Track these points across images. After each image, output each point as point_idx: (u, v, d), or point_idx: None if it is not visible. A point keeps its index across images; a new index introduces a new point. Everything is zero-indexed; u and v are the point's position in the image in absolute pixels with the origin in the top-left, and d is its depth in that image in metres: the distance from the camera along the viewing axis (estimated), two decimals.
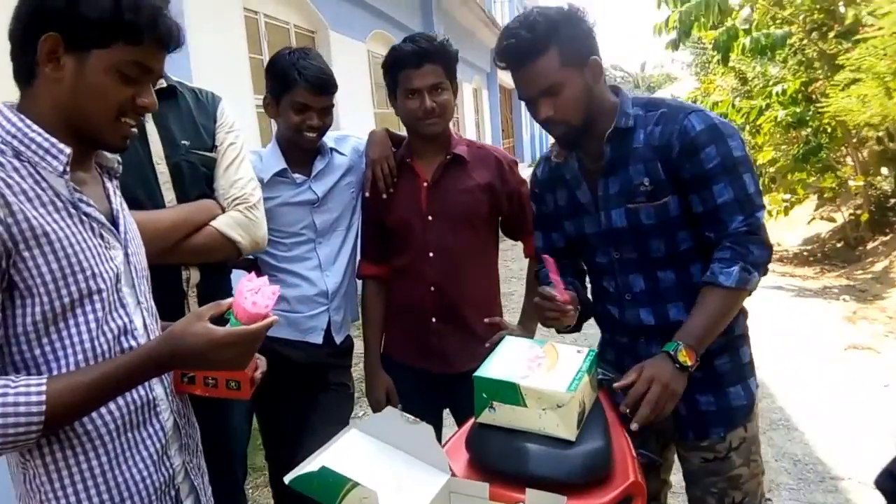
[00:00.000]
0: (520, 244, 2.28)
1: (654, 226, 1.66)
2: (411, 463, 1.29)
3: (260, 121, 5.39)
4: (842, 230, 8.43)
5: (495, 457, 1.36)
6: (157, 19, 1.12)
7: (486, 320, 2.08)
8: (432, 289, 2.14)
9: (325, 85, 2.04)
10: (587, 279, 1.98)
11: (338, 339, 2.24)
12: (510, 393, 1.38)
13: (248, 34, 5.28)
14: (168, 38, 1.16)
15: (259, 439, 2.38)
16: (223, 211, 1.76)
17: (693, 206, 1.63)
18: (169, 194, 1.71)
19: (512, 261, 7.88)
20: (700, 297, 1.60)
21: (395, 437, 1.32)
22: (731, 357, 1.74)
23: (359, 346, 2.32)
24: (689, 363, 1.52)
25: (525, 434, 1.38)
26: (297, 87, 2.01)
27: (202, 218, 1.70)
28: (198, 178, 1.76)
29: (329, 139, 2.22)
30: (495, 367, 1.45)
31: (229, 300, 1.17)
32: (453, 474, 1.29)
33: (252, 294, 1.14)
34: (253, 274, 1.19)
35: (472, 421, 1.47)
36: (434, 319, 2.17)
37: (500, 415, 1.41)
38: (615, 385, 1.55)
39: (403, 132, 2.27)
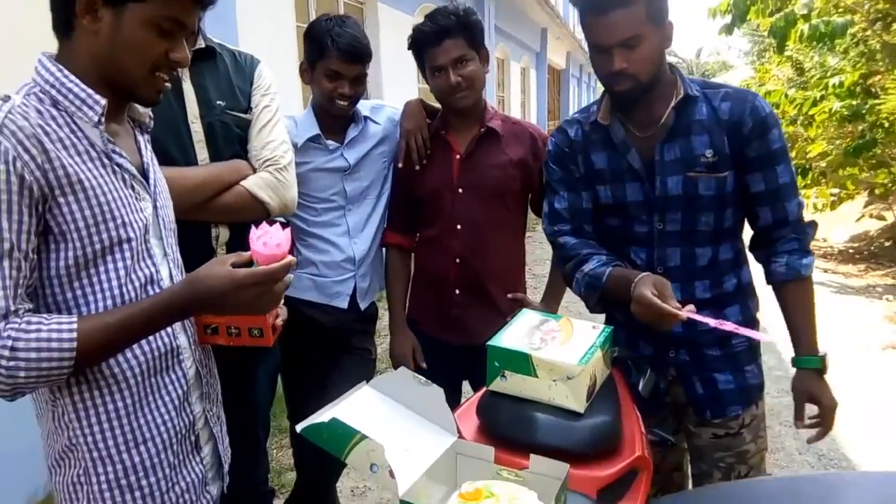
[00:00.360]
0: None
1: (710, 198, 1.67)
2: (420, 423, 1.32)
3: (304, 89, 5.43)
4: (891, 229, 8.17)
5: (504, 424, 1.39)
6: None
7: (508, 296, 2.11)
8: (458, 261, 2.17)
9: (357, 53, 2.06)
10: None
11: (362, 305, 2.29)
12: (522, 363, 1.41)
13: (296, 2, 5.32)
14: None
15: (283, 401, 2.45)
16: (254, 171, 1.80)
17: (752, 185, 1.69)
18: (202, 153, 1.75)
19: (547, 244, 7.88)
20: (790, 295, 1.73)
21: (407, 397, 1.35)
22: (748, 338, 1.74)
23: (384, 318, 2.36)
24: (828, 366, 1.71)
25: (535, 404, 1.40)
26: (329, 54, 2.04)
27: (232, 177, 1.75)
28: (231, 139, 1.80)
29: (364, 108, 2.25)
30: (509, 337, 1.48)
31: (249, 254, 1.21)
32: (461, 437, 1.32)
33: (263, 236, 1.19)
34: (264, 224, 1.23)
35: (483, 389, 1.50)
36: (458, 291, 2.20)
37: (512, 384, 1.43)
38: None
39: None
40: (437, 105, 2.28)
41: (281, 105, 1.95)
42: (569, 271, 1.84)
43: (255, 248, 1.19)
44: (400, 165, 2.21)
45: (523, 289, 2.31)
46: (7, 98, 1.10)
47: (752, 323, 1.80)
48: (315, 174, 2.16)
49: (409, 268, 2.34)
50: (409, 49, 2.15)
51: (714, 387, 1.77)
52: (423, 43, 2.08)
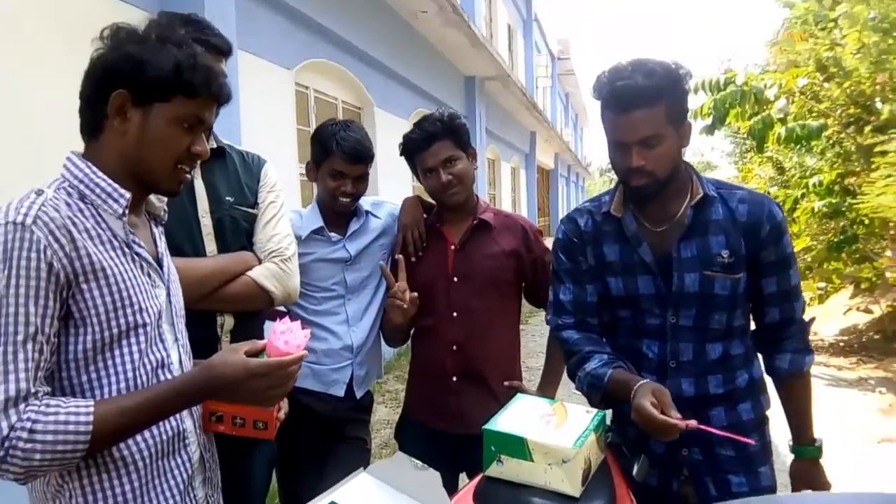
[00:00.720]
0: (543, 317, 2.34)
1: (725, 297, 1.69)
2: None
3: (302, 187, 5.62)
4: (880, 322, 8.24)
5: None
6: (210, 77, 1.27)
7: (505, 384, 2.15)
8: (454, 348, 2.22)
9: (360, 155, 2.21)
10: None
11: (359, 394, 2.32)
12: (518, 446, 1.43)
13: (297, 107, 5.58)
14: (220, 94, 1.30)
15: (278, 491, 2.42)
16: (259, 262, 1.88)
17: (765, 287, 1.72)
18: (211, 245, 1.84)
19: (541, 336, 7.87)
20: (792, 390, 1.79)
21: (404, 483, 1.36)
22: (761, 436, 1.77)
23: (378, 411, 2.37)
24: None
25: (531, 489, 1.42)
26: (334, 155, 2.18)
27: (239, 268, 1.83)
28: (239, 232, 1.89)
29: (366, 203, 2.37)
30: (504, 420, 1.51)
31: (264, 341, 1.27)
32: None
33: (285, 334, 1.24)
34: (287, 318, 1.29)
35: (480, 475, 1.52)
36: (455, 378, 2.23)
37: (508, 468, 1.45)
38: None
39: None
40: (432, 201, 2.40)
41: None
42: (571, 367, 1.84)
43: (275, 342, 1.24)
44: (397, 257, 2.29)
45: (520, 377, 2.34)
46: (41, 192, 1.18)
47: (763, 421, 1.81)
48: (317, 264, 2.25)
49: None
50: (400, 155, 2.29)
51: (727, 489, 1.72)
52: (413, 149, 2.21)
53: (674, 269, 1.70)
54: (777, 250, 1.70)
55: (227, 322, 1.86)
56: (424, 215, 2.35)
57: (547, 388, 2.28)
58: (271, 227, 1.93)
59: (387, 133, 7.43)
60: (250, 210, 1.92)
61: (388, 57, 7.32)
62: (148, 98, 1.22)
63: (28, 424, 1.07)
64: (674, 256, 1.70)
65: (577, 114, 37.80)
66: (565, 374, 1.98)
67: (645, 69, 1.59)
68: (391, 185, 7.16)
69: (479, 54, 9.67)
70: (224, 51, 1.83)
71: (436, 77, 9.35)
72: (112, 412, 1.13)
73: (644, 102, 1.58)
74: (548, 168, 24.13)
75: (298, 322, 1.29)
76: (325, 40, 5.96)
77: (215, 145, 1.92)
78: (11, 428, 1.06)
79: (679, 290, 1.70)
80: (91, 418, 1.11)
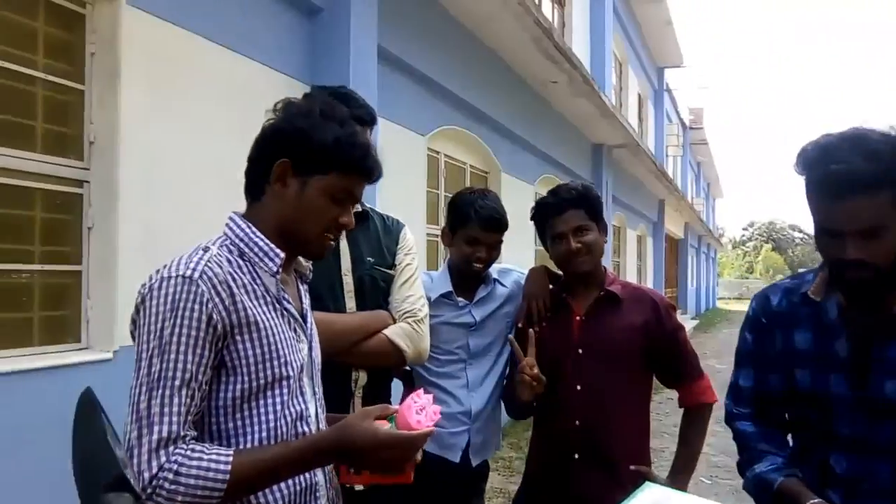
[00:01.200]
0: (674, 395, 2.23)
1: None
2: None
3: (428, 248, 5.80)
4: None
5: None
6: (367, 156, 1.36)
7: (632, 468, 1.98)
8: (577, 423, 2.11)
9: (496, 224, 2.27)
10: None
11: (474, 462, 2.29)
12: None
13: (428, 170, 5.81)
14: (371, 173, 1.39)
15: None
16: (394, 322, 1.95)
17: None
18: (351, 302, 1.93)
19: (666, 415, 7.47)
20: None
21: None
22: None
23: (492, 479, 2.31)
24: None
25: None
26: (472, 222, 2.24)
27: (376, 325, 1.90)
28: (377, 291, 1.98)
29: (494, 270, 2.41)
30: None
31: (396, 406, 1.30)
32: None
33: (419, 412, 1.27)
34: (421, 390, 1.32)
35: None
36: (577, 455, 2.11)
37: None
38: None
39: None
40: (559, 271, 2.39)
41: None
42: (741, 463, 1.70)
43: (407, 415, 1.26)
44: (520, 325, 2.29)
45: (648, 460, 2.20)
46: (207, 248, 1.29)
47: None
48: (443, 327, 2.30)
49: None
50: (531, 219, 2.30)
51: None
52: (545, 213, 2.20)
53: (872, 371, 1.48)
54: None
55: (361, 378, 1.93)
56: (550, 286, 2.34)
57: (678, 477, 2.12)
58: (406, 289, 2.00)
59: (512, 198, 7.54)
60: (388, 271, 2.01)
61: (516, 124, 7.50)
62: (307, 169, 1.32)
63: (174, 467, 1.14)
64: (873, 358, 1.48)
65: (709, 183, 36.62)
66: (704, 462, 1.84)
67: (866, 149, 1.35)
68: (515, 251, 7.21)
69: (609, 123, 9.69)
70: (367, 121, 1.94)
71: (563, 144, 9.44)
72: (250, 463, 1.19)
73: (863, 189, 1.34)
74: (677, 237, 23.40)
75: (431, 397, 1.32)
76: (457, 108, 6.21)
77: (360, 209, 2.03)
78: (160, 468, 1.13)
79: (877, 396, 1.46)
80: (230, 467, 1.15)
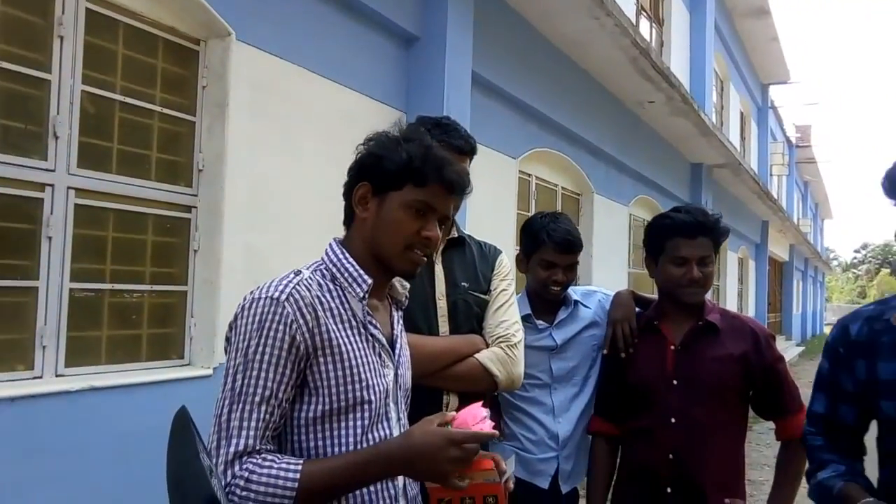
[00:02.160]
0: (772, 426, 2.13)
1: None
2: None
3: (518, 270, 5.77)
4: None
5: None
6: (442, 168, 1.37)
7: (726, 501, 1.93)
8: (671, 456, 2.05)
9: (570, 245, 2.24)
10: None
11: (564, 489, 2.26)
12: None
13: (519, 192, 5.80)
14: (450, 185, 1.38)
15: None
16: (487, 346, 1.94)
17: None
18: (444, 326, 1.94)
19: (766, 446, 7.12)
20: None
21: None
22: None
23: None
24: None
25: None
26: (545, 246, 2.23)
27: (468, 349, 1.90)
28: (470, 316, 1.98)
29: (576, 292, 2.37)
30: None
31: (453, 413, 1.29)
32: None
33: (480, 421, 1.27)
34: (479, 404, 1.31)
35: None
36: (669, 489, 2.06)
37: None
38: None
39: (653, 294, 2.33)
40: (649, 296, 2.32)
41: None
42: (808, 473, 1.70)
43: (468, 421, 1.26)
44: (605, 352, 2.25)
45: (743, 494, 2.12)
46: (299, 272, 1.35)
47: None
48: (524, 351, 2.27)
49: (615, 459, 2.26)
50: (649, 233, 2.20)
51: None
52: (673, 231, 2.09)
53: None
54: None
55: (452, 401, 1.91)
56: (638, 310, 2.29)
57: None
58: (501, 314, 1.98)
59: (604, 219, 7.43)
60: (482, 296, 2.01)
61: (610, 145, 7.39)
62: (384, 187, 1.36)
63: (245, 474, 1.19)
64: None
65: (817, 204, 34.71)
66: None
67: None
68: (608, 272, 7.08)
69: (708, 142, 9.38)
70: (466, 151, 1.98)
71: (659, 164, 9.20)
72: (319, 470, 1.22)
73: None
74: (781, 260, 22.27)
75: (488, 412, 1.31)
76: (549, 131, 6.19)
77: (457, 235, 2.06)
78: (234, 476, 1.19)
79: None
80: (298, 475, 1.19)
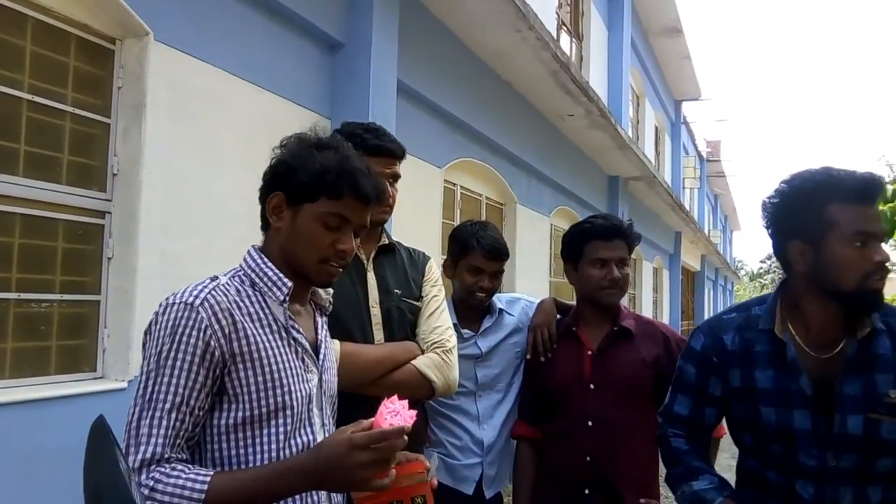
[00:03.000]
0: None
1: (890, 443, 1.52)
2: None
3: (444, 280, 5.80)
4: None
5: None
6: (356, 180, 1.35)
7: (641, 501, 2.01)
8: (588, 459, 2.13)
9: (498, 252, 2.31)
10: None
11: (487, 494, 2.29)
12: None
13: (444, 202, 5.84)
14: (365, 196, 1.37)
15: None
16: (422, 353, 1.95)
17: None
18: (379, 334, 1.94)
19: None
20: None
21: None
22: None
23: None
24: None
25: None
26: (474, 251, 2.29)
27: (404, 356, 1.90)
28: (404, 323, 1.99)
29: (501, 300, 2.43)
30: None
31: (370, 420, 1.23)
32: None
33: (392, 416, 1.22)
34: (395, 396, 1.27)
35: None
36: (587, 491, 2.13)
37: None
38: None
39: (572, 301, 2.40)
40: (570, 303, 2.40)
41: None
42: (674, 478, 1.77)
43: (381, 422, 1.21)
44: (528, 357, 2.30)
45: (657, 493, 2.21)
46: (215, 278, 1.33)
47: None
48: None
49: (537, 463, 2.30)
50: (567, 238, 2.29)
51: None
52: (591, 235, 2.20)
53: (836, 409, 1.55)
54: None
55: None
56: (559, 316, 2.35)
57: None
58: (434, 319, 2.01)
59: (527, 229, 7.56)
60: (415, 302, 2.02)
61: (532, 156, 7.54)
62: (298, 199, 1.35)
63: (151, 483, 1.15)
64: (837, 393, 1.55)
65: (726, 216, 36.44)
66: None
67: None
68: (530, 281, 7.20)
69: (625, 155, 9.71)
70: (398, 154, 2.00)
71: (579, 176, 9.46)
72: (226, 483, 1.18)
73: (882, 195, 1.54)
74: (693, 270, 23.23)
75: (406, 402, 1.26)
76: (473, 140, 6.26)
77: (387, 242, 2.06)
78: (139, 484, 1.15)
79: (842, 431, 1.54)
80: (205, 486, 1.16)
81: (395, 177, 2.01)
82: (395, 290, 2.00)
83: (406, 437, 1.20)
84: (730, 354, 1.70)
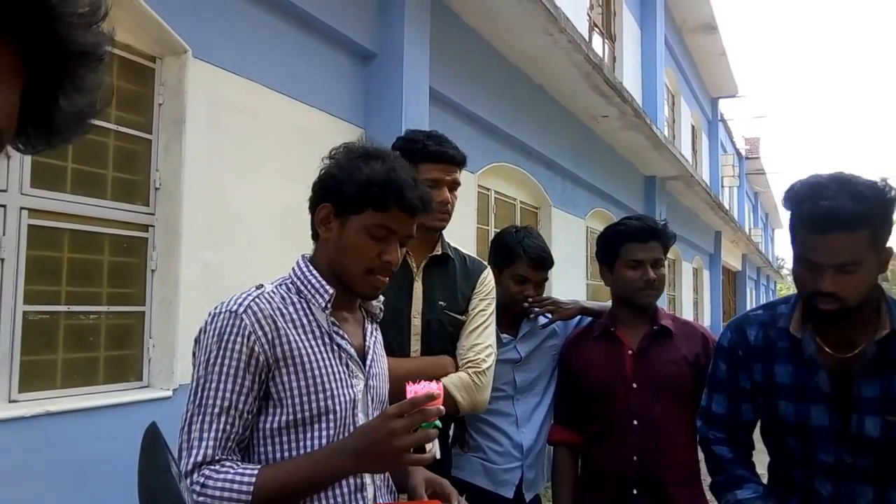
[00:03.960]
0: None
1: None
2: None
3: None
4: None
5: None
6: (402, 192, 1.36)
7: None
8: (635, 458, 2.11)
9: (544, 262, 2.28)
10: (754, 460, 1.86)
11: (527, 496, 2.29)
12: None
13: (478, 207, 5.86)
14: (411, 208, 1.38)
15: None
16: (457, 369, 1.95)
17: None
18: (416, 345, 1.94)
19: None
20: None
21: None
22: None
23: None
24: None
25: None
26: (520, 261, 2.26)
27: (436, 372, 1.86)
28: (444, 336, 1.98)
29: None
30: None
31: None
32: None
33: (419, 390, 1.25)
34: (422, 381, 1.28)
35: None
36: (635, 491, 2.11)
37: None
38: None
39: (603, 303, 2.39)
40: (598, 305, 2.39)
41: None
42: (718, 486, 1.77)
43: (408, 395, 1.25)
44: (531, 314, 2.31)
45: (700, 488, 2.19)
46: (261, 286, 1.37)
47: None
48: None
49: (577, 467, 2.30)
50: (602, 241, 2.28)
51: None
52: (626, 237, 2.18)
53: (853, 409, 1.55)
54: None
55: None
56: (590, 318, 2.36)
57: None
58: (475, 337, 1.98)
59: (562, 231, 7.53)
60: (459, 316, 2.00)
61: (566, 159, 7.51)
62: (345, 210, 1.37)
63: (202, 480, 1.20)
64: (854, 395, 1.56)
65: (767, 213, 35.72)
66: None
67: (853, 191, 1.45)
68: (566, 284, 7.17)
69: (661, 155, 9.61)
70: (459, 161, 2.00)
71: (615, 177, 9.40)
72: (272, 474, 1.23)
73: (846, 227, 1.45)
74: (734, 269, 22.83)
75: (433, 382, 1.28)
76: (506, 145, 6.27)
77: (440, 252, 2.04)
78: (192, 483, 1.20)
79: (858, 432, 1.54)
80: (253, 480, 1.20)
81: (455, 184, 2.01)
82: (441, 303, 1.97)
83: (438, 408, 1.23)
84: (752, 349, 1.74)
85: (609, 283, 2.27)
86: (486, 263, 2.15)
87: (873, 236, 1.47)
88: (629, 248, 2.17)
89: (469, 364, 1.94)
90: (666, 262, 2.25)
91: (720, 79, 17.42)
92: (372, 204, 1.35)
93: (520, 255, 2.25)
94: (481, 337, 1.99)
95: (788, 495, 1.69)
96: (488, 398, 1.98)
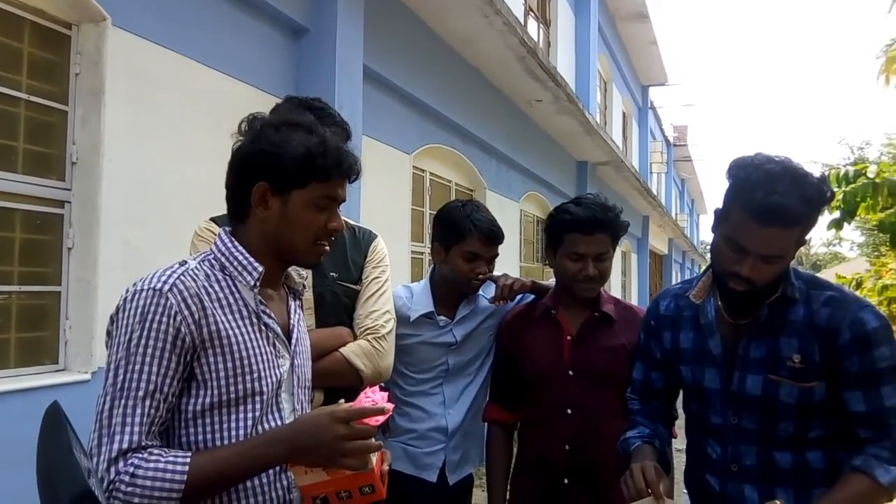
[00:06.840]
0: None
1: (790, 406, 1.57)
2: None
3: (412, 264, 5.80)
4: None
5: None
6: (340, 158, 1.35)
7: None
8: (567, 447, 2.06)
9: (496, 236, 2.20)
10: (674, 429, 2.00)
11: (451, 480, 2.25)
12: None
13: (413, 188, 5.83)
14: (350, 172, 1.39)
15: None
16: (355, 339, 1.87)
17: (850, 403, 1.54)
18: (309, 319, 1.82)
19: None
20: (846, 480, 1.51)
21: None
22: None
23: (481, 497, 2.27)
24: None
25: None
26: (470, 237, 2.16)
27: (332, 343, 1.81)
28: (338, 307, 1.90)
29: None
30: None
31: (349, 403, 1.25)
32: None
33: (370, 404, 1.24)
34: (376, 388, 1.29)
35: None
36: (567, 480, 2.07)
37: None
38: None
39: (549, 282, 2.33)
40: (545, 283, 2.32)
41: (392, 276, 2.07)
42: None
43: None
44: (491, 300, 2.25)
45: None
46: (184, 262, 1.31)
47: None
48: (422, 347, 2.25)
49: (512, 448, 2.26)
50: (550, 224, 2.16)
51: None
52: (572, 226, 2.05)
53: (735, 367, 1.64)
54: (863, 362, 1.52)
55: (317, 398, 1.78)
56: (533, 296, 2.28)
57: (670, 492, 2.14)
58: (371, 304, 1.91)
59: (497, 214, 7.49)
60: (352, 286, 1.93)
61: (501, 142, 7.55)
62: (286, 187, 1.33)
63: (131, 469, 1.14)
64: (738, 354, 1.64)
65: (693, 199, 36.94)
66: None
67: (804, 193, 1.48)
68: (498, 266, 7.22)
69: (593, 140, 9.77)
70: (346, 138, 1.88)
71: (548, 161, 9.51)
72: (205, 461, 1.19)
73: (787, 224, 1.48)
74: (661, 253, 23.54)
75: (386, 395, 1.29)
76: (443, 127, 6.25)
77: None
78: (118, 472, 1.14)
79: (739, 389, 1.63)
80: (186, 468, 1.16)
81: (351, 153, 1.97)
82: (332, 273, 1.90)
83: (383, 420, 1.22)
84: (662, 318, 1.85)
85: (552, 265, 2.18)
86: (375, 233, 2.07)
87: (802, 233, 1.53)
88: (572, 238, 2.04)
89: (367, 331, 1.88)
90: (613, 252, 2.11)
91: (651, 67, 17.80)
92: (316, 176, 1.33)
93: (470, 230, 2.15)
94: (377, 303, 1.93)
95: (691, 461, 1.80)
96: (391, 364, 1.92)
